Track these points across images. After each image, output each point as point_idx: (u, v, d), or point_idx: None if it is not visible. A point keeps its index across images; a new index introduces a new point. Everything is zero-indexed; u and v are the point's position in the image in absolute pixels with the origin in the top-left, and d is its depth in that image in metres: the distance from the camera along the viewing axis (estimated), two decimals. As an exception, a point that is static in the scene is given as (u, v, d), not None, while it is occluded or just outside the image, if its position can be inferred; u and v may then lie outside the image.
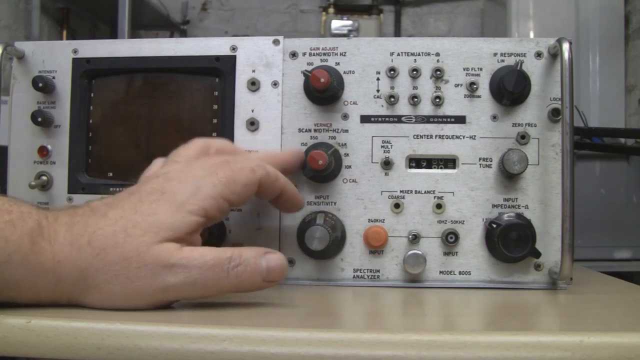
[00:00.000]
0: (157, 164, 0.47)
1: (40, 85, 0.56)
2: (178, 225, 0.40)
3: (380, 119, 0.53)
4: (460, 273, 0.52)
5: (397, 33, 2.60)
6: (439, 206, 0.52)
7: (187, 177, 0.42)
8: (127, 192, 0.42)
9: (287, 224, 0.53)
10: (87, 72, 0.57)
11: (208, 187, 0.42)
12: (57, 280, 0.39)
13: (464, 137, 0.53)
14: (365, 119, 0.53)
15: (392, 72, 0.53)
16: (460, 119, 0.53)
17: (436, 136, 0.53)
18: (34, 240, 0.38)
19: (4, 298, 0.38)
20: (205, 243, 0.52)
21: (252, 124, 0.54)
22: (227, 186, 0.42)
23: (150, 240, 0.39)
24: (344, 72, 0.53)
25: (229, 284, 0.40)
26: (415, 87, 0.53)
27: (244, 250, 0.41)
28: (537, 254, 0.51)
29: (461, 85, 0.53)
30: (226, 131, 0.55)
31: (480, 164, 0.53)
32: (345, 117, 0.53)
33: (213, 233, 0.52)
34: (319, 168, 0.50)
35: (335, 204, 0.53)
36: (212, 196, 0.41)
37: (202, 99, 0.56)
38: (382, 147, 0.53)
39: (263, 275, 0.41)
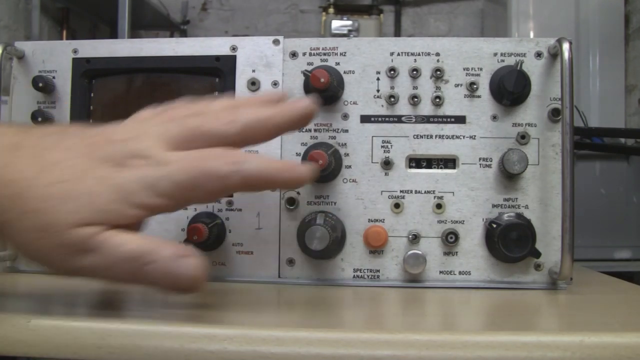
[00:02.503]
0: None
1: (41, 85, 0.56)
2: (114, 217, 0.36)
3: (380, 119, 0.53)
4: (460, 273, 0.52)
5: (397, 33, 2.60)
6: (439, 206, 0.53)
7: (152, 138, 0.37)
8: (94, 133, 0.38)
9: (287, 224, 0.53)
10: (87, 72, 0.57)
11: (169, 179, 0.36)
12: None
13: (464, 137, 0.53)
14: (365, 118, 0.53)
15: (392, 72, 0.53)
16: (460, 119, 0.53)
17: (436, 136, 0.53)
18: None
19: None
20: (204, 242, 0.52)
21: (252, 124, 0.54)
22: (189, 186, 0.37)
23: (75, 220, 0.35)
24: (344, 72, 0.54)
25: (141, 279, 0.37)
26: (415, 87, 0.53)
27: (164, 248, 0.37)
28: (537, 254, 0.51)
29: (461, 85, 0.53)
30: (226, 131, 0.54)
31: (480, 164, 0.53)
32: (345, 117, 0.53)
33: (213, 233, 0.52)
34: (319, 168, 0.50)
35: (335, 204, 0.53)
36: (169, 194, 0.37)
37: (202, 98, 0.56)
38: (382, 147, 0.53)
39: (171, 279, 0.37)
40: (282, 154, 0.54)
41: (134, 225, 0.38)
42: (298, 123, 0.41)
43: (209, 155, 0.37)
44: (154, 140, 0.37)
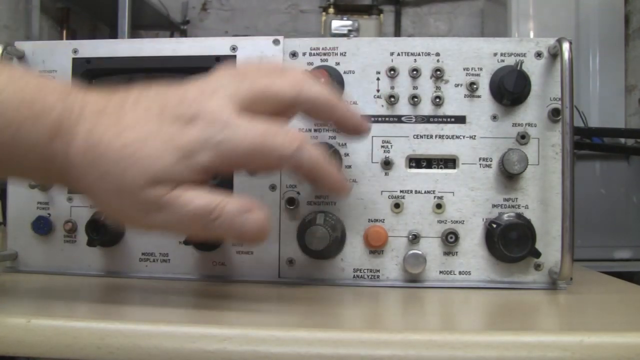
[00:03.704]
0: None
1: (41, 85, 0.55)
2: (179, 176, 0.38)
3: (380, 119, 0.53)
4: (460, 273, 0.52)
5: (397, 33, 2.60)
6: (439, 206, 0.52)
7: (221, 112, 0.39)
8: (171, 93, 0.40)
9: (287, 224, 0.53)
10: (87, 72, 0.57)
11: (231, 143, 0.38)
12: (65, 175, 0.40)
13: (464, 137, 0.53)
14: (365, 118, 0.53)
15: (392, 72, 0.53)
16: (460, 119, 0.53)
17: (436, 136, 0.53)
18: (52, 138, 0.38)
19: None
20: (204, 242, 0.52)
21: (252, 124, 0.54)
22: (250, 154, 0.38)
23: (144, 181, 0.38)
24: (344, 72, 0.53)
25: (210, 232, 0.39)
26: (415, 87, 0.53)
27: (229, 203, 0.39)
28: (537, 254, 0.51)
29: (461, 85, 0.53)
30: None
31: (480, 164, 0.53)
32: (345, 117, 0.53)
33: (213, 233, 0.52)
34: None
35: (335, 204, 0.53)
36: (227, 157, 0.38)
37: (202, 98, 0.56)
38: (382, 147, 0.53)
39: (237, 233, 0.39)
40: (282, 154, 0.54)
41: (203, 181, 0.40)
42: (348, 125, 0.45)
43: (276, 132, 0.39)
44: (224, 100, 0.39)
